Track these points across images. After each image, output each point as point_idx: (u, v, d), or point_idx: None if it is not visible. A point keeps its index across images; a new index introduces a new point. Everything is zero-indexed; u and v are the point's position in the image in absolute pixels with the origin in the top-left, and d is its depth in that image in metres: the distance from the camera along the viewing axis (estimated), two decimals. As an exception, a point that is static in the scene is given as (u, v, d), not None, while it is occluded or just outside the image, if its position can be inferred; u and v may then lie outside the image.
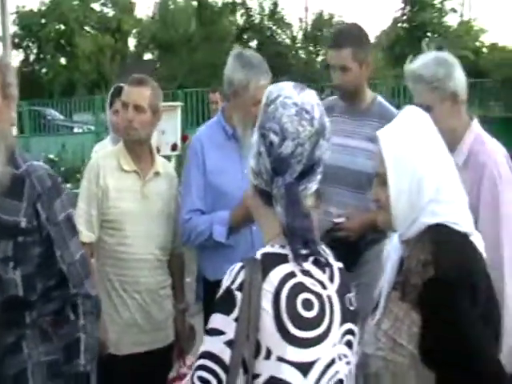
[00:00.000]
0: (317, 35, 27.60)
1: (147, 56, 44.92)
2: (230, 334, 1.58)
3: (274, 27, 27.71)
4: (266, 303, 1.59)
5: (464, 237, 2.11)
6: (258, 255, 1.67)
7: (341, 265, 1.82)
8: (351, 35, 3.48)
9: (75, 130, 21.43)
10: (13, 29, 37.83)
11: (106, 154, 3.56)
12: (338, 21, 31.30)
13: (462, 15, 28.11)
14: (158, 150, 8.41)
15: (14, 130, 13.84)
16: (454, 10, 26.67)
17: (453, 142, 2.85)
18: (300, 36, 28.65)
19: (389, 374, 2.02)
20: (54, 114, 22.57)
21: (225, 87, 3.34)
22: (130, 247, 3.29)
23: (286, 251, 1.68)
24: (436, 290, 1.95)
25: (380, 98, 3.61)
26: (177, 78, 25.85)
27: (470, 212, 2.61)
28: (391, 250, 2.26)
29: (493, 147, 3.02)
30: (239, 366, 1.57)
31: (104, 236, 3.33)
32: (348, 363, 1.76)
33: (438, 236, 2.07)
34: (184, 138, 10.21)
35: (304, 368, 1.61)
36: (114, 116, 4.51)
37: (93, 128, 19.55)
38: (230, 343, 1.58)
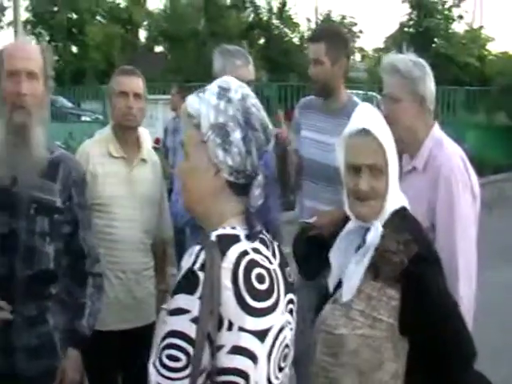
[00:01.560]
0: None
1: (158, 48, 44.93)
2: (195, 312, 1.65)
3: (282, 26, 27.68)
4: (226, 280, 1.68)
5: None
6: (213, 237, 1.75)
7: (277, 243, 1.96)
8: (328, 32, 3.76)
9: (83, 119, 21.50)
10: (25, 15, 37.99)
11: (94, 141, 3.69)
12: (348, 22, 31.30)
13: (469, 22, 28.14)
14: (159, 141, 8.65)
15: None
16: (460, 17, 26.52)
17: (411, 141, 3.04)
18: (307, 35, 28.64)
19: (368, 348, 2.19)
20: (62, 101, 22.69)
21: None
22: (116, 229, 3.39)
23: (237, 232, 1.79)
24: (421, 264, 2.20)
25: (356, 99, 3.82)
26: (184, 71, 25.95)
27: (428, 213, 2.89)
28: (345, 233, 2.42)
29: (452, 150, 3.05)
30: (205, 339, 1.64)
31: (94, 218, 3.29)
32: (291, 329, 1.90)
33: (406, 217, 2.35)
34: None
35: (261, 335, 1.72)
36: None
37: (101, 117, 19.63)
38: (194, 320, 1.65)
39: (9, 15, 36.47)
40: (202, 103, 1.80)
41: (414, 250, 2.22)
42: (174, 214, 3.62)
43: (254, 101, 1.85)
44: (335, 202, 3.35)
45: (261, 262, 1.77)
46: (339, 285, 2.37)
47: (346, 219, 2.44)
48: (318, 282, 2.89)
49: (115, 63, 36.71)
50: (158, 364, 1.69)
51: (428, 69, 3.08)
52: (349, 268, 2.32)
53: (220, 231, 1.78)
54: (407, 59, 3.05)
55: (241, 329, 1.69)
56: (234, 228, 1.80)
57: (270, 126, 1.88)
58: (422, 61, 3.08)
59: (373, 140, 2.27)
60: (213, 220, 1.84)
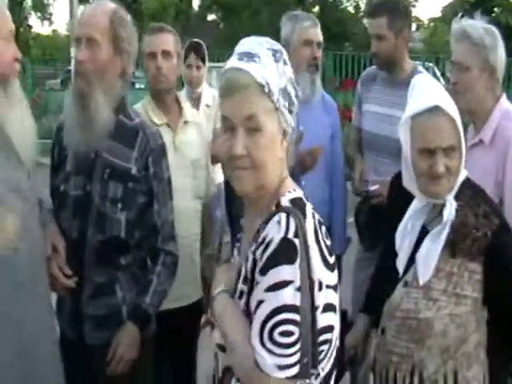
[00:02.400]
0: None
1: (211, 17, 44.95)
2: (298, 281, 1.59)
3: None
4: (311, 241, 1.64)
5: None
6: (287, 202, 1.71)
7: None
8: (387, 4, 3.56)
9: (137, 86, 21.65)
10: (80, -17, 38.24)
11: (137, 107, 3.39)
12: None
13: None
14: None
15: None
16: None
17: (478, 112, 2.91)
18: (363, 4, 28.17)
19: (454, 326, 2.16)
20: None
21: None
22: None
23: (299, 193, 1.75)
24: (503, 235, 2.17)
25: (421, 69, 3.66)
26: (238, 39, 25.91)
27: (496, 189, 2.75)
28: (412, 212, 2.33)
29: None
30: (309, 306, 1.60)
31: None
32: None
33: (475, 188, 2.26)
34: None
35: (336, 289, 1.70)
36: (187, 70, 4.76)
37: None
38: (298, 289, 1.59)
39: (64, -16, 36.67)
40: (268, 69, 1.69)
41: (496, 221, 2.17)
42: None
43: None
44: None
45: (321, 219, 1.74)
46: (408, 267, 2.28)
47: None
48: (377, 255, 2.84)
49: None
50: (269, 345, 1.59)
51: (499, 37, 2.93)
52: (423, 247, 2.23)
53: (289, 195, 1.73)
54: (478, 26, 2.90)
55: (327, 286, 1.66)
56: (295, 190, 1.75)
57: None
58: (493, 28, 2.92)
59: (446, 119, 2.15)
60: (274, 186, 1.75)
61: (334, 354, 1.71)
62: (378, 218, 2.80)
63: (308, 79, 3.55)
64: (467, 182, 2.25)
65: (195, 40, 5.07)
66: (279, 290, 1.59)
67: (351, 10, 27.96)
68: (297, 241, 1.61)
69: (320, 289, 1.64)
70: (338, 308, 1.71)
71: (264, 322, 1.60)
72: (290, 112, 1.73)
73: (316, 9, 26.61)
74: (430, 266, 2.18)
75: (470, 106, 2.83)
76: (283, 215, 1.65)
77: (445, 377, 2.17)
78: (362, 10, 27.35)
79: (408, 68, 3.60)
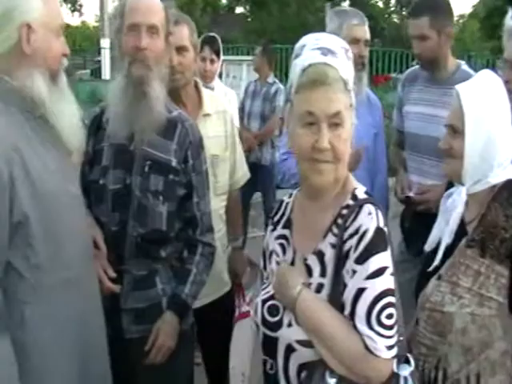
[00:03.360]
0: (410, 0, 26.89)
1: (239, 10, 44.91)
2: (391, 266, 1.77)
3: (367, -12, 27.11)
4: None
5: None
6: (363, 194, 1.87)
7: None
8: (428, 4, 3.50)
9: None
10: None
11: None
12: None
13: None
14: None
15: (108, 74, 14.21)
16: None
17: None
18: (393, 0, 27.95)
19: (476, 327, 2.14)
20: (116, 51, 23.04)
21: None
22: None
23: (363, 187, 1.93)
24: None
25: (464, 66, 3.61)
26: (267, 33, 25.80)
27: None
28: (455, 201, 2.36)
29: None
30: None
31: None
32: None
33: None
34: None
35: None
36: (201, 63, 4.75)
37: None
38: (392, 273, 1.77)
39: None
40: (346, 67, 1.83)
41: None
42: (282, 173, 3.42)
43: None
44: (442, 176, 3.16)
45: None
46: (444, 261, 2.29)
47: None
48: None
49: (197, 24, 37.00)
50: (378, 328, 1.73)
51: None
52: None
53: (361, 188, 1.90)
54: None
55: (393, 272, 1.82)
56: (358, 184, 1.92)
57: None
58: None
59: (458, 102, 2.22)
60: (343, 180, 1.90)
61: None
62: (424, 224, 2.75)
63: (355, 77, 3.50)
64: (509, 184, 2.21)
65: (210, 34, 5.06)
66: (380, 276, 1.75)
67: (381, 5, 27.74)
68: (386, 229, 1.79)
69: (392, 274, 1.80)
70: None
71: (370, 307, 1.73)
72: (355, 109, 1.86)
73: (346, 3, 26.44)
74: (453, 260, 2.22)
75: None
76: (371, 207, 1.81)
77: (467, 378, 2.15)
78: (392, 5, 27.18)
79: (451, 66, 3.56)
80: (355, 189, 1.89)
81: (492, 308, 2.14)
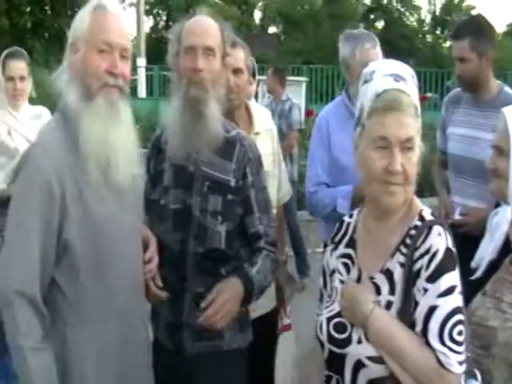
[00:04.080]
0: (445, 19, 26.70)
1: (272, 29, 45.17)
2: (459, 285, 1.85)
3: (402, 9, 26.95)
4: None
5: None
6: (430, 216, 1.94)
7: None
8: (470, 26, 3.53)
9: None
10: (145, -4, 39.00)
11: None
12: (468, 5, 30.21)
13: None
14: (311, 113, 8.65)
15: (144, 93, 14.29)
16: None
17: None
18: (428, 20, 27.78)
19: None
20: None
21: (341, 67, 3.54)
22: None
23: (427, 208, 2.00)
24: None
25: (507, 88, 3.61)
26: (302, 53, 25.88)
27: None
28: (501, 220, 2.41)
29: None
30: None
31: None
32: None
33: None
34: (308, 113, 10.44)
35: None
36: None
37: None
38: (460, 292, 1.84)
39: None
40: (416, 93, 1.92)
41: None
42: (313, 205, 3.49)
43: None
44: (484, 197, 3.26)
45: None
46: (488, 277, 2.33)
47: None
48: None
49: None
50: (450, 344, 1.80)
51: None
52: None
53: (426, 210, 1.98)
54: None
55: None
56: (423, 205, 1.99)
57: None
58: None
59: (504, 123, 2.23)
60: (409, 201, 1.97)
61: None
62: (466, 245, 2.78)
63: None
64: None
65: None
66: (450, 294, 1.82)
67: (415, 25, 27.61)
68: (454, 249, 1.86)
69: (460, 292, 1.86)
70: None
71: (442, 324, 1.81)
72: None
73: (380, 23, 26.42)
74: (483, 263, 2.36)
75: None
76: (440, 228, 1.89)
77: None
78: (427, 24, 27.06)
79: (493, 88, 3.58)
80: (422, 210, 1.96)
81: None
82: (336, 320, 1.97)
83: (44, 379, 2.10)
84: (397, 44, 22.45)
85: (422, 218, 1.93)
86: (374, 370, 1.87)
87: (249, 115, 3.42)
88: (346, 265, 2.06)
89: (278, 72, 8.09)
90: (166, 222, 2.63)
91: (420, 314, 1.84)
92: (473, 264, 2.47)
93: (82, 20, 2.26)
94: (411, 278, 1.87)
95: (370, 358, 1.86)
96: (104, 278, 2.24)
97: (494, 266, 2.32)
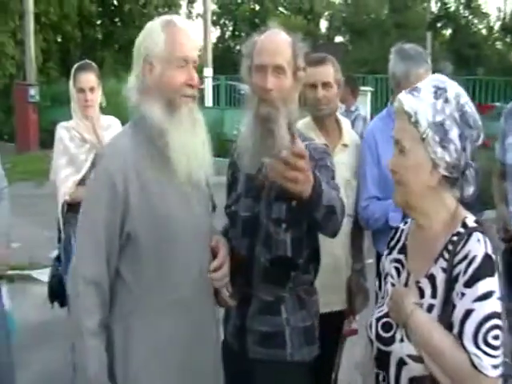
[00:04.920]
0: (515, 26, 26.15)
1: (338, 39, 45.11)
2: (498, 291, 1.89)
3: (470, 16, 26.50)
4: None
5: None
6: (473, 223, 2.00)
7: None
8: None
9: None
10: (212, 7, 39.51)
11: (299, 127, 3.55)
12: None
13: None
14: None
15: (210, 102, 14.43)
16: None
17: None
18: (497, 26, 27.22)
19: None
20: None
21: (390, 81, 3.65)
22: None
23: (473, 216, 2.03)
24: None
25: None
26: (368, 62, 25.75)
27: None
28: None
29: None
30: (505, 312, 1.90)
31: None
32: None
33: None
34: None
35: None
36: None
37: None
38: (499, 298, 1.89)
39: (197, 7, 37.99)
40: (420, 102, 1.96)
41: None
42: (365, 219, 3.56)
43: (466, 99, 1.99)
44: None
45: None
46: None
47: None
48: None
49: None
50: (484, 348, 1.85)
51: None
52: None
53: (470, 218, 2.02)
54: None
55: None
56: (468, 214, 2.04)
57: (480, 123, 1.99)
58: None
59: None
60: (430, 211, 2.04)
61: None
62: None
63: None
64: None
65: None
66: (487, 299, 1.87)
67: (484, 32, 27.10)
68: (494, 256, 1.92)
69: (499, 298, 1.91)
70: None
71: (478, 328, 1.86)
72: (443, 147, 1.94)
73: (448, 31, 26.03)
74: None
75: None
76: (480, 235, 1.95)
77: None
78: (496, 31, 26.51)
79: None
80: (465, 217, 2.02)
81: None
82: (384, 320, 2.08)
83: (96, 360, 2.29)
84: (464, 52, 22.07)
85: (464, 225, 2.00)
86: (415, 369, 1.96)
87: (339, 127, 3.60)
88: (397, 269, 2.16)
89: (349, 81, 7.74)
90: (237, 227, 2.76)
91: (457, 317, 1.90)
92: None
93: (154, 38, 2.40)
94: (451, 282, 1.94)
95: (410, 357, 1.96)
96: (166, 270, 2.38)
97: None
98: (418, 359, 1.95)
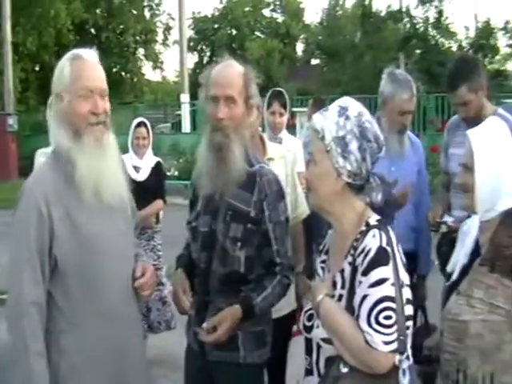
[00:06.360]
0: (482, 44, 26.61)
1: (314, 61, 45.60)
2: (392, 278, 2.13)
3: (439, 36, 26.98)
4: (396, 250, 2.19)
5: None
6: (375, 222, 2.26)
7: None
8: (462, 73, 3.85)
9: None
10: (189, 33, 39.91)
11: None
12: (511, 27, 29.74)
13: None
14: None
15: (188, 127, 14.66)
16: None
17: None
18: (465, 44, 27.62)
19: (487, 331, 2.41)
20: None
21: (378, 98, 4.09)
22: None
23: (378, 217, 2.30)
24: None
25: (501, 110, 3.92)
26: (341, 83, 26.16)
27: None
28: (470, 227, 2.71)
29: None
30: (400, 299, 2.14)
31: None
32: None
33: None
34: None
35: (409, 287, 2.22)
36: (270, 116, 5.17)
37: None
38: (393, 284, 2.13)
39: (174, 34, 38.38)
40: (325, 120, 2.27)
41: None
42: None
43: (367, 117, 2.28)
44: None
45: None
46: (462, 277, 2.61)
47: None
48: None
49: (273, 77, 37.80)
50: (376, 326, 2.11)
51: None
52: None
53: (374, 217, 2.28)
54: None
55: (406, 285, 2.20)
56: (374, 215, 2.30)
57: (382, 138, 2.29)
58: None
59: (469, 144, 2.55)
60: (340, 214, 2.33)
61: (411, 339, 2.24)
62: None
63: (396, 140, 3.99)
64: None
65: (278, 89, 5.42)
66: (379, 285, 2.14)
67: (454, 49, 27.52)
68: (388, 248, 2.18)
69: (402, 286, 2.17)
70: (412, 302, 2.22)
71: (370, 310, 2.13)
72: (344, 157, 2.23)
73: (418, 51, 26.42)
74: (470, 277, 2.53)
75: None
76: (376, 230, 2.22)
77: (483, 378, 2.45)
78: (466, 49, 26.91)
79: (489, 112, 3.85)
80: (369, 217, 2.28)
81: (501, 315, 2.42)
82: (309, 312, 2.37)
83: (46, 382, 2.42)
84: (435, 71, 22.50)
85: (367, 224, 2.26)
86: (328, 350, 2.25)
87: (262, 143, 3.85)
88: (322, 268, 2.46)
89: (317, 103, 8.12)
90: (197, 242, 2.95)
91: (356, 302, 2.17)
92: (448, 269, 2.77)
93: (62, 72, 2.60)
94: (354, 273, 2.21)
95: (323, 340, 2.25)
96: (96, 289, 2.55)
97: (466, 269, 2.60)
98: (329, 341, 2.22)
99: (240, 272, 2.86)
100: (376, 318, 2.11)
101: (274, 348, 3.07)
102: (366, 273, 2.16)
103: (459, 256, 2.70)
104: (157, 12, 37.61)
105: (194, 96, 21.98)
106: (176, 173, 16.82)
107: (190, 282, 2.92)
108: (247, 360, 2.89)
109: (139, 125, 5.86)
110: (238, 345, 2.88)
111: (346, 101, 2.31)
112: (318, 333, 2.27)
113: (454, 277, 2.67)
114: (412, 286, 2.26)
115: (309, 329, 2.34)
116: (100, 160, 2.58)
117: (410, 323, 2.19)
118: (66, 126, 2.58)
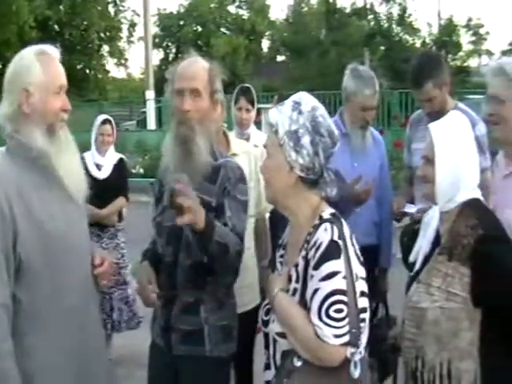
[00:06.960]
0: (445, 41, 26.97)
1: (280, 58, 45.68)
2: (343, 271, 2.13)
3: (402, 33, 27.28)
4: (349, 243, 2.20)
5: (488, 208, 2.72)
6: (328, 215, 2.26)
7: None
8: (426, 69, 3.89)
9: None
10: (154, 30, 39.73)
11: None
12: (474, 24, 30.19)
13: None
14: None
15: (153, 124, 14.58)
16: None
17: None
18: (428, 41, 27.97)
19: (445, 318, 2.49)
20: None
21: (342, 93, 4.14)
22: None
23: (333, 210, 2.32)
24: (486, 243, 2.47)
25: (461, 105, 3.98)
26: (305, 80, 26.26)
27: None
28: (431, 218, 2.77)
29: None
30: (352, 292, 2.15)
31: None
32: None
33: (477, 206, 2.62)
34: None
35: (365, 280, 2.23)
36: (237, 112, 5.14)
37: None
38: (344, 277, 2.13)
39: (139, 31, 38.21)
40: (280, 114, 2.30)
41: (480, 232, 2.49)
42: None
43: (321, 112, 2.31)
44: None
45: None
46: (424, 266, 2.67)
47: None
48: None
49: (239, 73, 37.78)
50: (326, 320, 2.12)
51: None
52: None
53: (328, 211, 2.29)
54: None
55: (361, 277, 2.21)
56: (329, 208, 2.32)
57: (336, 133, 2.32)
58: None
59: (430, 137, 2.63)
60: (294, 208, 2.34)
61: (368, 332, 2.24)
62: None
63: (359, 135, 4.07)
64: (473, 202, 2.61)
65: (245, 85, 5.42)
66: (330, 278, 2.14)
67: (418, 46, 27.81)
68: (340, 242, 2.18)
69: (357, 279, 2.18)
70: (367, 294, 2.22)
71: (321, 304, 2.13)
72: (296, 151, 2.25)
73: (382, 48, 26.68)
74: (430, 266, 2.60)
75: (505, 136, 3.00)
76: (328, 224, 2.22)
77: (441, 364, 2.52)
78: (429, 45, 27.21)
79: (450, 106, 3.91)
80: (322, 211, 2.29)
81: (458, 302, 2.50)
82: (267, 306, 2.39)
83: (17, 381, 2.39)
84: (398, 67, 22.70)
85: (320, 218, 2.27)
86: (282, 344, 2.26)
87: (226, 139, 3.87)
88: (281, 263, 2.48)
89: (282, 99, 8.14)
90: (162, 237, 2.96)
91: (308, 295, 2.18)
92: (411, 258, 2.81)
93: (30, 67, 2.53)
94: (307, 267, 2.22)
95: (278, 334, 2.26)
96: (59, 286, 2.53)
97: (427, 258, 2.66)
98: (283, 335, 2.24)
99: (204, 262, 2.81)
100: (327, 312, 2.12)
101: (240, 343, 3.09)
102: (317, 266, 2.17)
103: (422, 245, 2.74)
104: (121, 8, 37.47)
105: (159, 93, 21.94)
106: (141, 170, 16.67)
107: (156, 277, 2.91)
108: (214, 353, 2.90)
109: (104, 122, 5.80)
110: (204, 338, 2.89)
111: (301, 96, 2.34)
112: (274, 327, 2.28)
113: (417, 266, 2.71)
114: (373, 279, 2.29)
115: (266, 323, 2.36)
116: (71, 156, 2.62)
117: (364, 315, 2.20)
118: (38, 123, 2.54)
